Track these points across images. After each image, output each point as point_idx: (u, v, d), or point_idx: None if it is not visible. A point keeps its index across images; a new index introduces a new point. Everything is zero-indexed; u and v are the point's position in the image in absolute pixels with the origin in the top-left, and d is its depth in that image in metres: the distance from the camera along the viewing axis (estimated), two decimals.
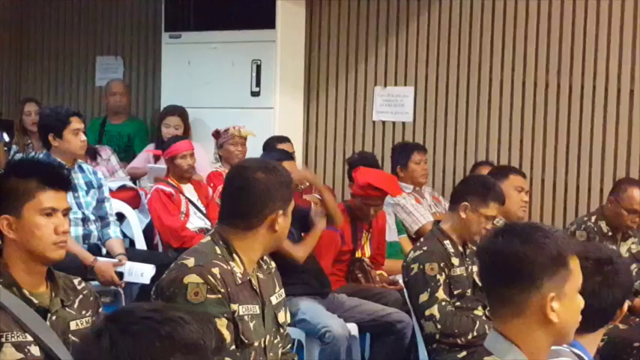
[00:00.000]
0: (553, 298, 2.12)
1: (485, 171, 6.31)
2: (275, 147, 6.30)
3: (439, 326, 4.30)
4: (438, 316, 4.30)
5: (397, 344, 4.85)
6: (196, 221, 5.83)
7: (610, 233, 5.52)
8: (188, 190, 5.93)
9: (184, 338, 1.57)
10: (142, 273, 5.00)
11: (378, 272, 5.48)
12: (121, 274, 5.01)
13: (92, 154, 6.52)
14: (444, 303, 4.31)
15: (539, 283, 2.12)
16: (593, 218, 5.57)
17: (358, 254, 5.37)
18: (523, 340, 2.14)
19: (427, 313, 4.33)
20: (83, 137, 5.27)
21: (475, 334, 4.30)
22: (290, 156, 5.31)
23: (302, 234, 4.91)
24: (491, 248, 2.17)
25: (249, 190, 2.96)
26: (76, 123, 5.23)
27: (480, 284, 4.47)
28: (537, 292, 2.12)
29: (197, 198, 5.93)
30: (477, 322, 4.32)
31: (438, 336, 4.33)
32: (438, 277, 4.33)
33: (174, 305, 1.75)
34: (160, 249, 5.76)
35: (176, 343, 1.57)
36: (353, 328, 4.92)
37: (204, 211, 5.90)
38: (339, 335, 4.60)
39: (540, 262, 2.13)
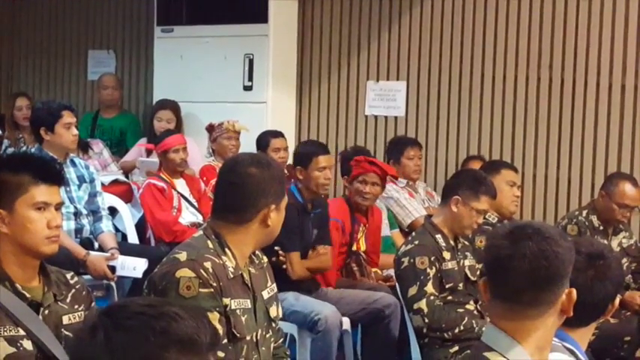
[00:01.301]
0: (570, 292, 2.19)
1: (476, 165, 6.33)
2: (268, 141, 6.32)
3: (427, 320, 4.32)
4: (425, 310, 4.32)
5: (387, 331, 4.86)
6: (188, 216, 5.83)
7: (601, 227, 5.53)
8: (180, 184, 5.93)
9: (179, 333, 1.57)
10: (134, 267, 5.00)
11: (373, 270, 5.48)
12: (113, 268, 5.01)
13: (84, 148, 6.51)
14: (432, 297, 4.32)
15: (565, 280, 2.18)
16: (585, 212, 5.58)
17: (354, 247, 5.37)
18: (530, 337, 2.16)
19: (415, 306, 4.35)
20: (75, 131, 5.26)
21: (462, 328, 4.32)
22: (326, 149, 5.27)
23: (314, 230, 4.90)
24: (526, 252, 2.14)
25: (241, 185, 2.97)
26: (67, 117, 5.22)
27: (471, 278, 4.50)
28: (563, 288, 2.18)
29: (189, 192, 5.93)
30: (465, 318, 4.33)
31: (425, 330, 4.35)
32: (428, 270, 4.34)
33: (169, 300, 1.74)
34: (152, 243, 5.76)
35: (171, 339, 1.56)
36: (345, 322, 4.92)
37: (197, 206, 5.90)
38: (332, 322, 4.59)
39: (569, 260, 2.19)
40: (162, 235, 5.66)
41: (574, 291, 2.19)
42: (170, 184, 5.85)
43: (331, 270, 5.09)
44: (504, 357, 2.14)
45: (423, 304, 4.32)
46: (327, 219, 5.08)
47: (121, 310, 1.63)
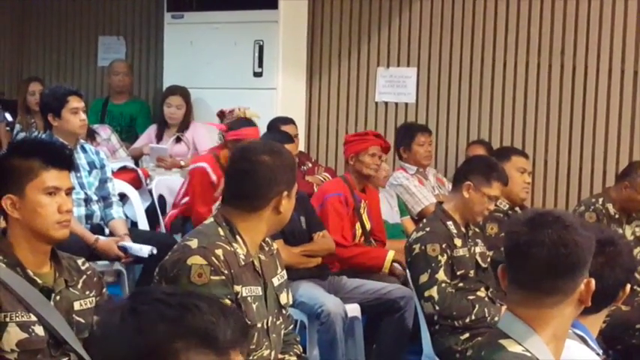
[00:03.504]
0: (589, 282, 2.18)
1: (479, 150, 6.33)
2: (279, 128, 6.28)
3: (437, 307, 4.30)
4: (436, 297, 4.30)
5: (401, 322, 4.86)
6: None
7: (617, 216, 5.51)
8: None
9: (192, 325, 1.54)
10: (140, 248, 4.98)
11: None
12: (124, 249, 5.00)
13: (90, 135, 6.46)
14: (443, 285, 4.31)
15: (584, 269, 2.17)
16: (601, 200, 5.54)
17: (358, 230, 5.36)
18: (547, 325, 2.15)
19: (426, 294, 4.33)
20: (82, 116, 5.22)
21: (473, 317, 4.29)
22: (291, 139, 5.30)
23: (301, 217, 4.91)
24: (545, 240, 2.13)
25: (253, 173, 2.97)
26: (74, 102, 5.19)
27: (483, 265, 4.49)
28: (582, 277, 2.17)
29: None
30: (477, 306, 4.31)
31: (436, 317, 4.34)
32: (440, 257, 4.33)
33: (199, 293, 1.72)
34: (163, 228, 5.75)
35: (181, 329, 1.53)
36: (355, 309, 4.92)
37: None
38: (334, 313, 4.60)
39: (589, 249, 2.18)
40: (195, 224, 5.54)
41: (592, 281, 2.18)
42: (224, 172, 5.71)
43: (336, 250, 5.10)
44: (520, 344, 2.13)
45: (434, 291, 4.31)
46: (309, 204, 5.08)
47: (142, 294, 1.62)
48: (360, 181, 5.43)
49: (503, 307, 4.15)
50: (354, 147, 5.42)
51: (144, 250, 4.95)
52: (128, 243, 5.04)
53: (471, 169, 4.50)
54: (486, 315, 4.29)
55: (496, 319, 4.21)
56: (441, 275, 4.31)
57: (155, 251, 4.90)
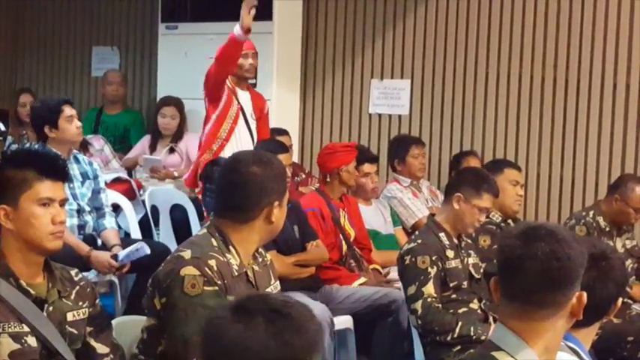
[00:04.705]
0: (581, 295, 2.19)
1: (471, 161, 6.33)
2: (273, 139, 6.29)
3: (419, 321, 4.29)
4: (419, 311, 4.28)
5: (396, 325, 4.87)
6: (244, 138, 5.64)
7: (607, 229, 5.52)
8: (244, 97, 5.73)
9: (318, 326, 1.74)
10: (137, 249, 4.91)
11: (372, 266, 5.48)
12: (116, 257, 4.96)
13: (83, 146, 6.44)
14: (429, 299, 4.28)
15: (576, 282, 2.18)
16: (591, 213, 5.55)
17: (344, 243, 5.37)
18: (539, 338, 2.16)
19: (412, 306, 4.32)
20: (78, 123, 5.21)
21: (456, 335, 4.26)
22: (285, 148, 5.32)
23: (295, 227, 4.91)
24: (538, 253, 2.14)
25: (244, 184, 2.97)
26: (68, 110, 5.18)
27: (476, 276, 4.49)
28: (574, 291, 2.18)
29: (252, 109, 5.76)
30: (460, 323, 4.28)
31: (420, 330, 4.34)
32: (429, 269, 4.31)
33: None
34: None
35: (320, 330, 1.72)
36: (347, 321, 4.92)
37: (253, 126, 5.71)
38: (320, 319, 4.59)
39: (581, 262, 2.18)
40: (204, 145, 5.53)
41: (584, 294, 2.19)
42: (232, 90, 5.65)
43: (326, 261, 5.09)
44: (512, 357, 2.14)
45: (418, 305, 4.29)
46: (303, 213, 5.08)
47: (265, 298, 1.70)
48: (339, 191, 5.45)
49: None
50: (343, 158, 5.45)
51: (139, 249, 4.87)
52: (123, 252, 5.01)
53: (462, 181, 4.51)
54: (471, 334, 4.26)
55: (482, 338, 4.17)
56: (428, 289, 4.29)
57: (148, 250, 4.85)
